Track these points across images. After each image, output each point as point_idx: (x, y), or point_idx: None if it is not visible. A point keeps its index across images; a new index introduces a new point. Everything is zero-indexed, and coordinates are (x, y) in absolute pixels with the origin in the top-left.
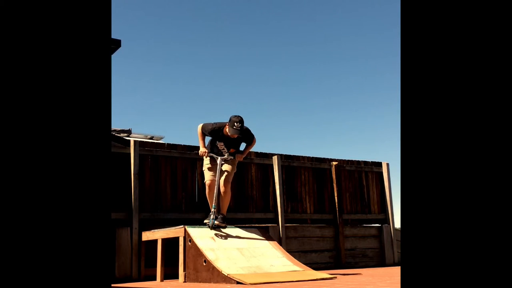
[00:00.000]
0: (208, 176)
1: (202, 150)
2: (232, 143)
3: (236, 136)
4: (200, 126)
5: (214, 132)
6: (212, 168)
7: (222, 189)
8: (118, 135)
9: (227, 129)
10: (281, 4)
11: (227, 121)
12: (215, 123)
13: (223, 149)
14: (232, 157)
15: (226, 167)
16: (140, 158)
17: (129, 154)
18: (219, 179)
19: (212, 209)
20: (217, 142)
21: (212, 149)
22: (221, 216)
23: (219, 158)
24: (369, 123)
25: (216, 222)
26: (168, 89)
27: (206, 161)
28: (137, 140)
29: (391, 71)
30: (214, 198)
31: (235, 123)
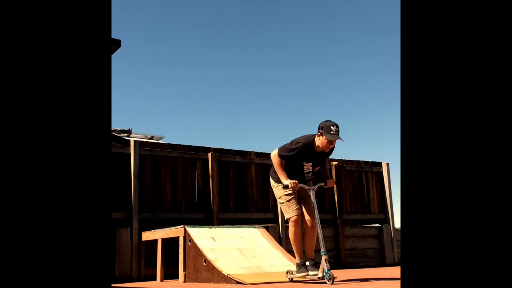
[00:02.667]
0: (291, 209)
1: (290, 182)
2: (319, 160)
3: (334, 143)
4: (275, 153)
5: (298, 153)
6: (295, 198)
7: (310, 223)
8: (118, 135)
9: (319, 141)
10: (280, 5)
11: (310, 133)
12: (297, 143)
13: (309, 170)
14: (324, 184)
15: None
16: (140, 158)
17: (129, 154)
18: (313, 214)
19: (307, 262)
20: (305, 164)
21: (289, 173)
22: (313, 263)
23: (310, 189)
24: (369, 123)
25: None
26: (168, 89)
27: (280, 189)
28: (137, 140)
29: (391, 71)
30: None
31: (332, 127)
